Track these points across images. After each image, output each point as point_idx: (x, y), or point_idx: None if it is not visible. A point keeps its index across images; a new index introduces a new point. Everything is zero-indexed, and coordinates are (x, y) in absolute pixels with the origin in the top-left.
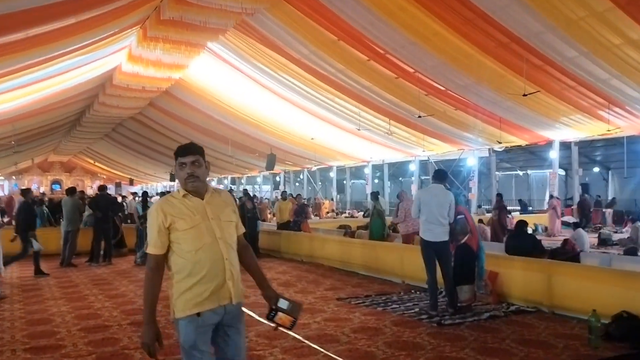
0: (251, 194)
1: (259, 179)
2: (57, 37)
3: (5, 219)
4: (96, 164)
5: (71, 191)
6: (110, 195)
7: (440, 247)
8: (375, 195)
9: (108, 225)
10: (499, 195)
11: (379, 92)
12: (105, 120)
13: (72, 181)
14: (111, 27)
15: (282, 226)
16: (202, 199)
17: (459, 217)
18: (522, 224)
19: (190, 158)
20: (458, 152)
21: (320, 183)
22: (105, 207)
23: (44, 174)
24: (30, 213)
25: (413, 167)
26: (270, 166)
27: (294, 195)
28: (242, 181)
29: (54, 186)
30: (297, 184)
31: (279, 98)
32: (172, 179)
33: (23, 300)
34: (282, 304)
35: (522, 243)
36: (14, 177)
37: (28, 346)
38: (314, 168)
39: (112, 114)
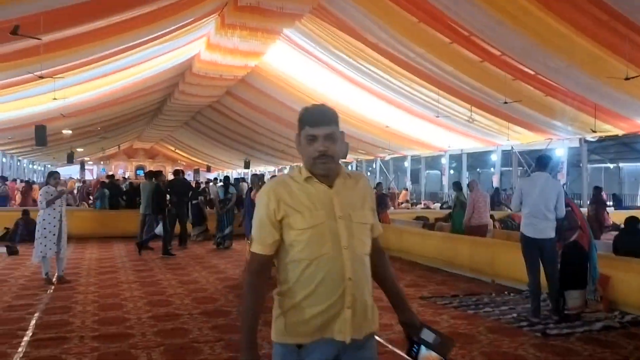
0: None
1: None
2: (138, 24)
3: (90, 202)
4: (176, 151)
5: (150, 175)
6: (186, 180)
7: (545, 245)
8: (458, 186)
9: (183, 210)
10: (597, 189)
11: (461, 76)
12: (185, 109)
13: (154, 167)
14: (190, 15)
15: None
16: (331, 187)
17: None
18: (634, 221)
19: (324, 130)
20: (545, 141)
21: (393, 173)
22: (180, 191)
23: (129, 160)
24: (161, 195)
25: (494, 157)
26: (343, 155)
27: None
28: None
29: (138, 172)
30: (368, 173)
31: (353, 84)
32: (246, 167)
33: (98, 283)
34: (427, 336)
35: (637, 243)
36: (101, 163)
37: (97, 333)
38: (388, 157)
39: (191, 102)
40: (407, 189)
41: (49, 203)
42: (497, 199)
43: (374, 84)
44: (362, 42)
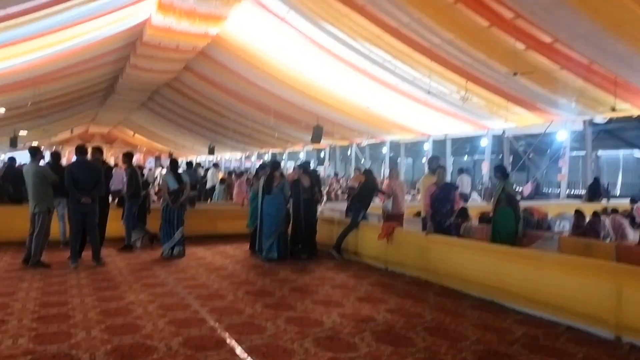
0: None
1: (301, 155)
2: None
3: None
4: (135, 135)
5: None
6: (91, 162)
7: None
8: (503, 172)
9: (89, 208)
10: None
11: (460, 45)
12: (140, 87)
13: (112, 153)
14: None
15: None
16: None
17: None
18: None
19: None
20: (543, 124)
21: (369, 160)
22: (83, 178)
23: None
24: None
25: (485, 142)
26: (316, 138)
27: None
28: (284, 156)
29: None
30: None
31: (331, 56)
32: (210, 152)
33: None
34: None
35: None
36: (53, 148)
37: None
38: (364, 143)
39: (146, 79)
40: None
41: None
42: (598, 191)
43: (355, 55)
44: (344, 3)
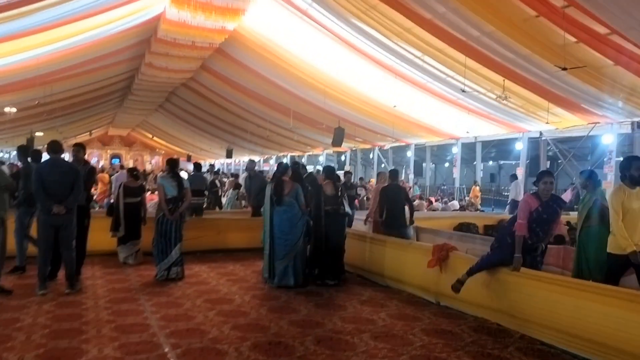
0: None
1: (321, 158)
2: None
3: None
4: (154, 138)
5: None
6: (65, 161)
7: None
8: (593, 178)
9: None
10: None
11: (501, 38)
12: (156, 88)
13: (131, 155)
14: None
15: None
16: None
17: None
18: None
19: None
20: (586, 127)
21: (392, 165)
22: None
23: (104, 148)
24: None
25: (520, 146)
26: (338, 141)
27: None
28: (303, 160)
29: (113, 160)
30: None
31: (355, 52)
32: (228, 156)
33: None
34: None
35: None
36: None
37: None
38: (388, 146)
39: (162, 78)
40: (477, 184)
41: None
42: None
43: (382, 51)
44: None
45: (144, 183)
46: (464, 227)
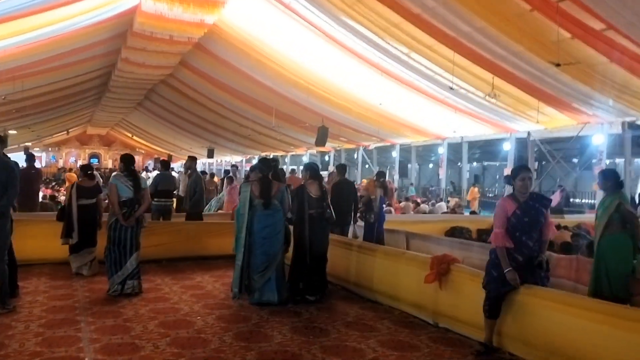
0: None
1: (304, 158)
2: None
3: None
4: (134, 137)
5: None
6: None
7: None
8: (615, 178)
9: None
10: None
11: (492, 34)
12: (134, 85)
13: (110, 155)
14: None
15: None
16: None
17: None
18: None
19: None
20: (575, 127)
21: (376, 165)
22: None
23: (82, 147)
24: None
25: (507, 147)
26: (321, 141)
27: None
28: (286, 160)
29: (92, 160)
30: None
31: (340, 48)
32: (209, 155)
33: None
34: None
35: None
36: (49, 149)
37: None
38: (373, 146)
39: (140, 75)
40: (476, 185)
41: None
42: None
43: (367, 47)
44: None
45: (100, 182)
46: (457, 232)
